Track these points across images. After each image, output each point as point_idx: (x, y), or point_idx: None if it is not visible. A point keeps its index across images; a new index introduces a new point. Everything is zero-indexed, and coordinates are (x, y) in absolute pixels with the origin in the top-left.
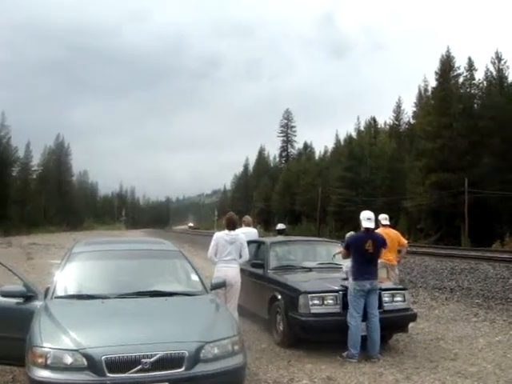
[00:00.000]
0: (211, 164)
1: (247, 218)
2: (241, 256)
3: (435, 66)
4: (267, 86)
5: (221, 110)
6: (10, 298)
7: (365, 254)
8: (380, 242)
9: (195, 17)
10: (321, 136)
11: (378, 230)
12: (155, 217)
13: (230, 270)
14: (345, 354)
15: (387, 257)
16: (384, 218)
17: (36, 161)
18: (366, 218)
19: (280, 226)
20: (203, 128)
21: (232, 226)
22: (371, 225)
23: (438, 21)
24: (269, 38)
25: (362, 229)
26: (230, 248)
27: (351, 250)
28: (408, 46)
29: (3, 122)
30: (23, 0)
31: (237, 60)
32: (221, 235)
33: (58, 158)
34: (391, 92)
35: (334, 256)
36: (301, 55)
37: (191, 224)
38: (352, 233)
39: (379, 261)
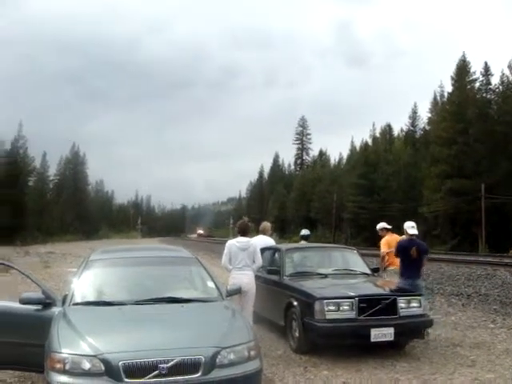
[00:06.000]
0: (227, 172)
1: (262, 224)
2: (254, 262)
3: (451, 71)
4: (283, 94)
5: (237, 118)
6: (29, 305)
7: (409, 259)
8: (423, 250)
9: (213, 28)
10: (336, 143)
11: (385, 237)
12: (171, 225)
13: (244, 277)
14: None
15: (398, 263)
16: (382, 227)
17: (52, 170)
18: (411, 227)
19: (304, 231)
20: (219, 136)
21: (243, 232)
22: (415, 231)
23: (453, 26)
24: (286, 46)
25: (407, 236)
26: (243, 255)
27: (400, 254)
28: (424, 52)
29: (20, 132)
30: (41, 12)
31: (254, 69)
32: (233, 243)
33: (74, 167)
34: (407, 98)
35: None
36: (318, 63)
37: (201, 231)
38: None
39: (391, 268)
